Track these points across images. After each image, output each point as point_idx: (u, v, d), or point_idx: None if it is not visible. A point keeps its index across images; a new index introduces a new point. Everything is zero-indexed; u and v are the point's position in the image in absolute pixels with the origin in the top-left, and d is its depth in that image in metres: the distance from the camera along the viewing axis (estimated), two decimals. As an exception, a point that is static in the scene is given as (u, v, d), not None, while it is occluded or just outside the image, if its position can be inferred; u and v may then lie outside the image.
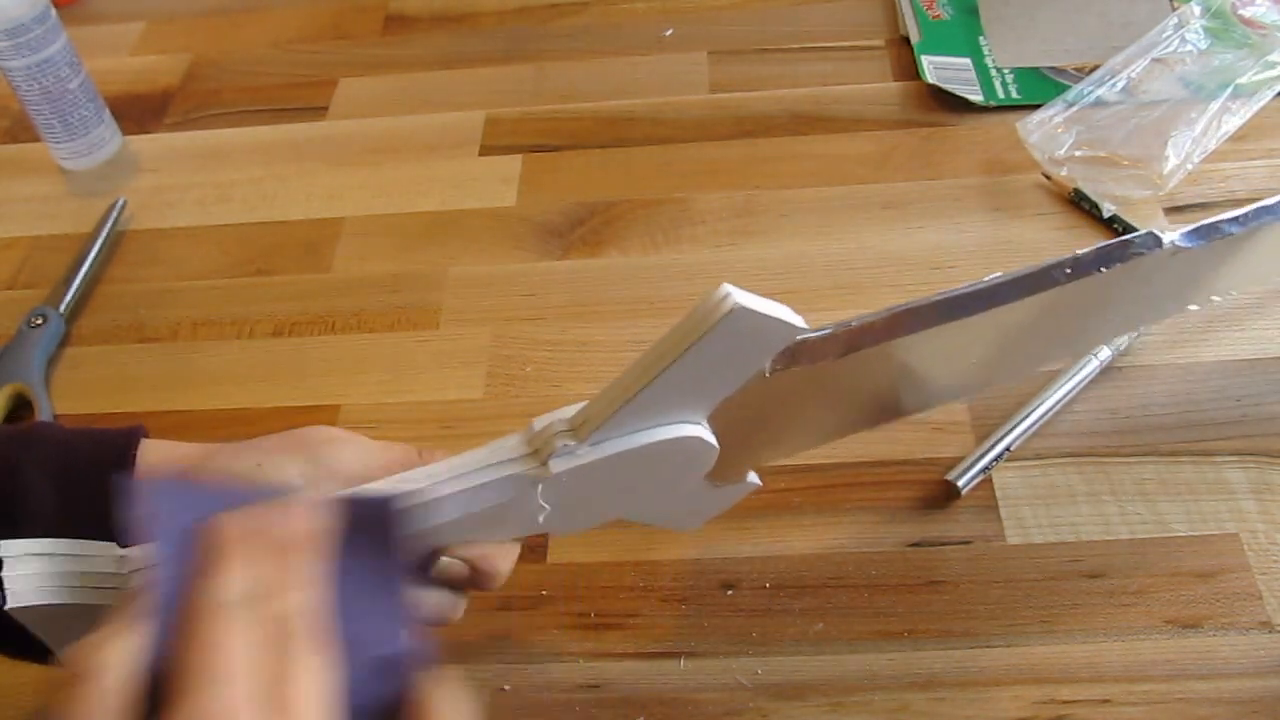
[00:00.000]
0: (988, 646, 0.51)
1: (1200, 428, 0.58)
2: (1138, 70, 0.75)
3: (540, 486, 0.41)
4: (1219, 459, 0.57)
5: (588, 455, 0.41)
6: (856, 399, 0.49)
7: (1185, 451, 0.58)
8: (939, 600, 0.53)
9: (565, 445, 0.40)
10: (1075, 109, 0.74)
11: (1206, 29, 0.77)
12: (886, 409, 0.51)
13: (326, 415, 0.64)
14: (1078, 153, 0.72)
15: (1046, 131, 0.73)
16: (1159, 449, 0.58)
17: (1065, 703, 0.49)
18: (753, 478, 0.48)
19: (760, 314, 0.39)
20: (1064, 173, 0.71)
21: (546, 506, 0.42)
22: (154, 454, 0.44)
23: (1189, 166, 0.71)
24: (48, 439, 0.44)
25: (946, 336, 0.45)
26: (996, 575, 0.54)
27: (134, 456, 0.43)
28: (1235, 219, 0.49)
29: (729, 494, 0.48)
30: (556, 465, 0.40)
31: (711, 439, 0.42)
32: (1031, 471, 0.58)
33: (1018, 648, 0.51)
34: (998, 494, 0.57)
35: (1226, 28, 0.77)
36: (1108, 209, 0.69)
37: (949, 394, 0.55)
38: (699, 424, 0.42)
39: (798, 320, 0.40)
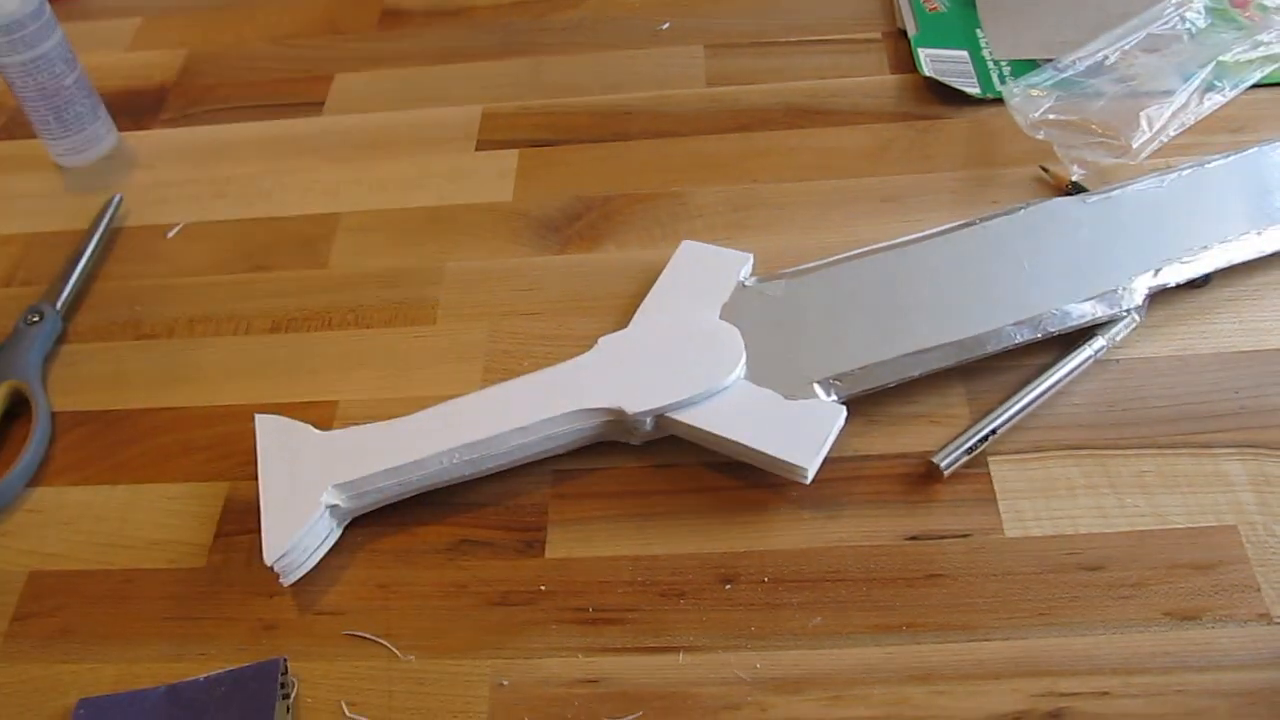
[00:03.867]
0: (986, 639, 0.51)
1: (1199, 420, 0.58)
2: (1130, 44, 0.75)
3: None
4: (1217, 451, 0.57)
5: (630, 333, 0.62)
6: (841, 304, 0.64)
7: (1184, 444, 0.58)
8: (937, 593, 0.53)
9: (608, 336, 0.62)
10: (1062, 75, 0.74)
11: (1207, 9, 0.77)
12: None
13: (324, 411, 0.64)
14: (1051, 115, 0.72)
15: (1027, 95, 0.73)
16: (1157, 441, 0.58)
17: (1064, 695, 0.49)
18: (822, 395, 0.58)
19: (700, 245, 0.68)
20: (1040, 135, 0.71)
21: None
22: None
23: (1163, 139, 0.71)
24: None
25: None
26: (995, 568, 0.54)
27: None
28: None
29: (813, 415, 0.57)
30: (605, 342, 0.61)
31: (723, 323, 0.62)
32: (1030, 464, 0.57)
33: (1016, 640, 0.51)
34: (996, 487, 0.57)
35: (1225, 10, 0.77)
36: (1076, 173, 0.69)
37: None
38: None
39: (738, 252, 0.66)
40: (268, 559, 0.55)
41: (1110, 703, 0.49)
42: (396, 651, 0.54)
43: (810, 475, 0.56)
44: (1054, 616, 0.52)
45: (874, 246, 0.66)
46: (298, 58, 0.91)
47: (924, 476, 0.58)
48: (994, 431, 0.58)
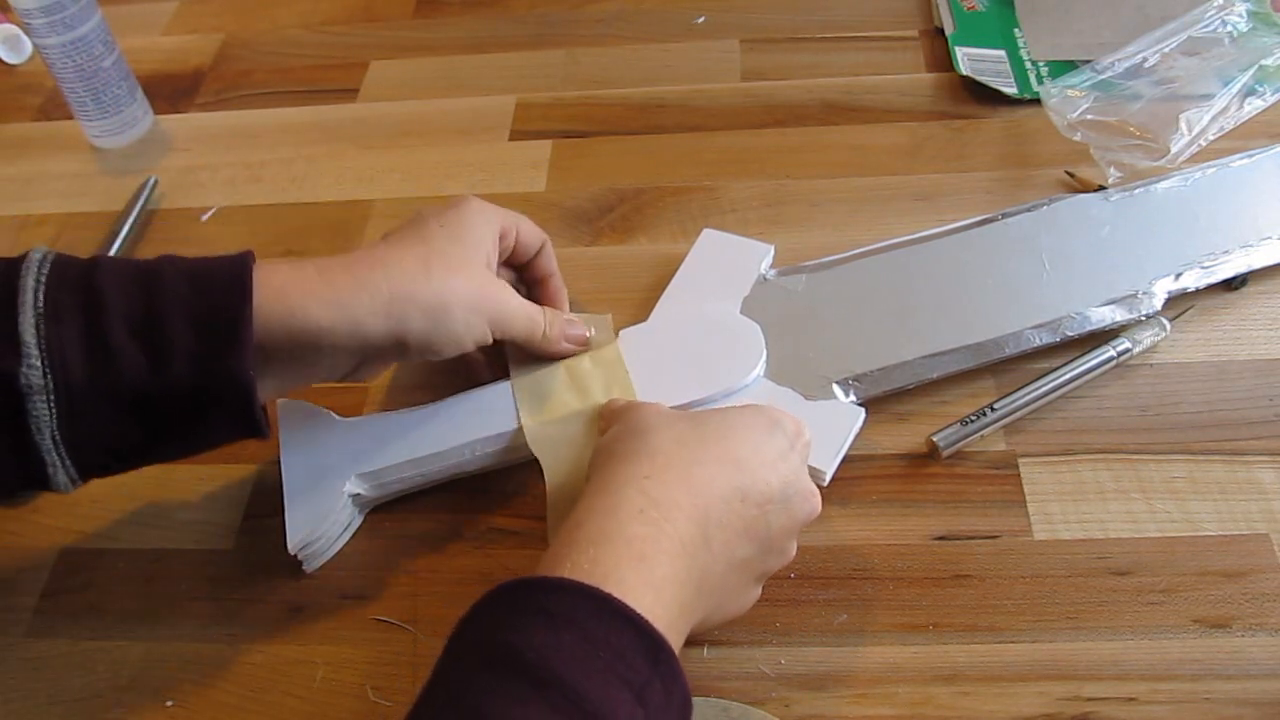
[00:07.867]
0: (1013, 642, 0.51)
1: (1232, 426, 0.58)
2: (1170, 47, 0.75)
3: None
4: (1250, 458, 0.57)
5: (650, 326, 0.63)
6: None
7: (1216, 450, 0.57)
8: (964, 594, 0.53)
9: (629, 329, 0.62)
10: (1100, 77, 0.74)
11: (1249, 13, 0.76)
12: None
13: (354, 397, 0.64)
14: (1089, 116, 0.72)
15: (1065, 95, 0.73)
16: (1190, 447, 0.57)
17: (1090, 700, 0.49)
18: (841, 396, 0.59)
19: (721, 234, 0.67)
20: (1078, 137, 0.71)
21: None
22: (269, 281, 0.48)
23: (1202, 143, 0.70)
24: (173, 277, 0.48)
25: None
26: (1023, 570, 0.54)
27: (249, 287, 0.47)
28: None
29: (832, 416, 0.57)
30: (627, 334, 0.62)
31: (744, 318, 0.62)
32: (1060, 467, 0.57)
33: (1043, 643, 0.51)
34: (1025, 489, 0.56)
35: (1268, 14, 0.76)
36: (1113, 175, 0.69)
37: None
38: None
39: (759, 242, 0.66)
40: (290, 548, 0.55)
41: (1137, 709, 0.49)
42: (422, 638, 0.54)
43: (828, 478, 0.56)
44: (1082, 620, 0.52)
45: (895, 240, 0.66)
46: (333, 44, 0.92)
47: (952, 476, 0.57)
48: (991, 408, 0.58)
